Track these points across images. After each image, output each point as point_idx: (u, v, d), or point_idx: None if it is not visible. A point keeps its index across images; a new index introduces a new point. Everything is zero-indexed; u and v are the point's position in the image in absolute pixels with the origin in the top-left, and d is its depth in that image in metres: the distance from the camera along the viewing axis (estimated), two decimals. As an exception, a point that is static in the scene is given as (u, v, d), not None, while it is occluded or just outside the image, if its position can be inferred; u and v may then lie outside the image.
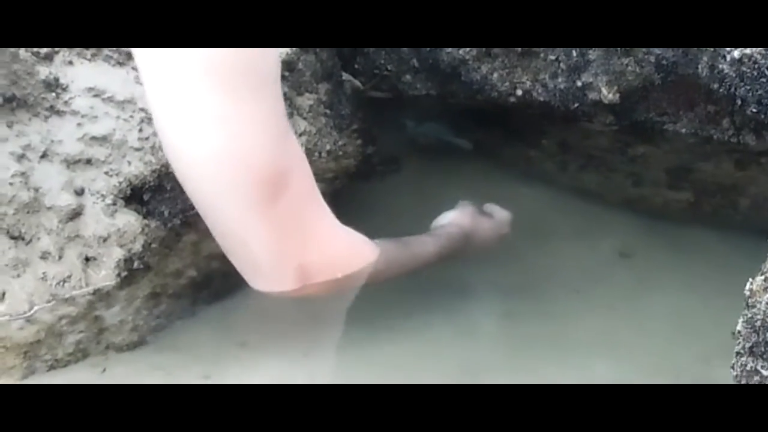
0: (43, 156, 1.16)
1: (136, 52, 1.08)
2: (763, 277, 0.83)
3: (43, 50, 1.20)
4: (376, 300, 1.23)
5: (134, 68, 1.24)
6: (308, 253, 1.13)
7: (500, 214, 1.38)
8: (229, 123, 1.05)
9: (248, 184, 1.07)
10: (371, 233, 1.21)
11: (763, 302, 0.82)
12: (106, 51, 1.24)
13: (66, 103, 1.19)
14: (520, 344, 1.20)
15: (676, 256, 1.38)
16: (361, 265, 1.18)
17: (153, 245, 1.20)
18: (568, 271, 1.34)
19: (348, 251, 1.17)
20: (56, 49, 1.21)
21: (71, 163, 1.17)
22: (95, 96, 1.21)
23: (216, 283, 1.23)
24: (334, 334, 1.22)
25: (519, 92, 1.55)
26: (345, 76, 1.60)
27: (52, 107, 1.18)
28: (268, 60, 1.08)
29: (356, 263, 1.17)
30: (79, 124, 1.19)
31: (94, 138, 1.19)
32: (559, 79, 1.52)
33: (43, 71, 1.19)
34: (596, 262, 1.37)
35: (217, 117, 1.05)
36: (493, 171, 1.51)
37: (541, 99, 1.55)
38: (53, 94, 1.19)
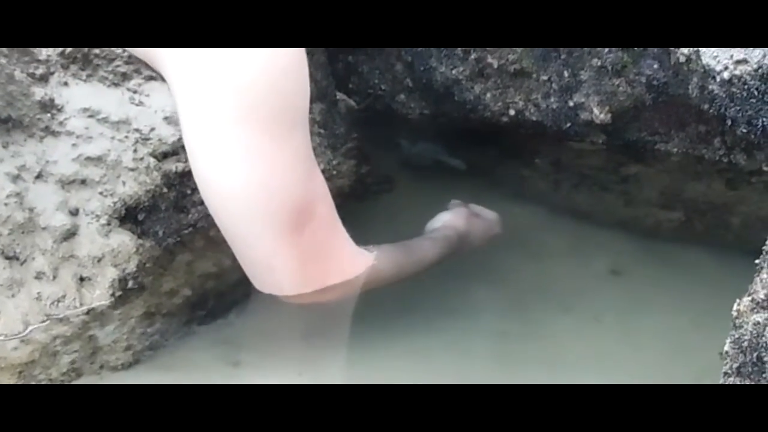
0: (38, 176, 1.17)
1: (176, 90, 1.14)
2: (749, 298, 0.84)
3: (39, 71, 1.21)
4: (371, 319, 1.25)
5: (129, 89, 1.25)
6: (329, 277, 1.19)
7: (489, 214, 1.43)
8: (265, 160, 1.12)
9: (279, 216, 1.14)
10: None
11: (750, 323, 0.83)
12: (101, 72, 1.25)
13: (61, 123, 1.20)
14: (513, 363, 1.21)
15: (668, 275, 1.38)
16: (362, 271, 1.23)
17: (147, 265, 1.21)
18: (561, 289, 1.35)
19: (363, 269, 1.23)
20: (51, 70, 1.22)
21: (66, 183, 1.18)
22: (90, 117, 1.21)
23: (210, 302, 1.24)
24: (328, 355, 1.23)
25: (512, 112, 1.56)
26: (339, 95, 1.60)
27: (47, 128, 1.19)
28: (303, 98, 1.15)
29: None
30: (74, 145, 1.20)
31: (88, 158, 1.20)
32: (551, 99, 1.53)
33: (39, 92, 1.19)
34: (589, 280, 1.37)
35: (254, 154, 1.11)
36: (486, 190, 1.51)
37: (534, 119, 1.56)
38: (48, 114, 1.19)
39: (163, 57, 1.17)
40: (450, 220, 1.38)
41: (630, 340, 1.25)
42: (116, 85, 1.25)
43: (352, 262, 1.22)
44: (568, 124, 1.54)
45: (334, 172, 1.43)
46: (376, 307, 1.25)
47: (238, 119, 1.10)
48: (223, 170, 1.12)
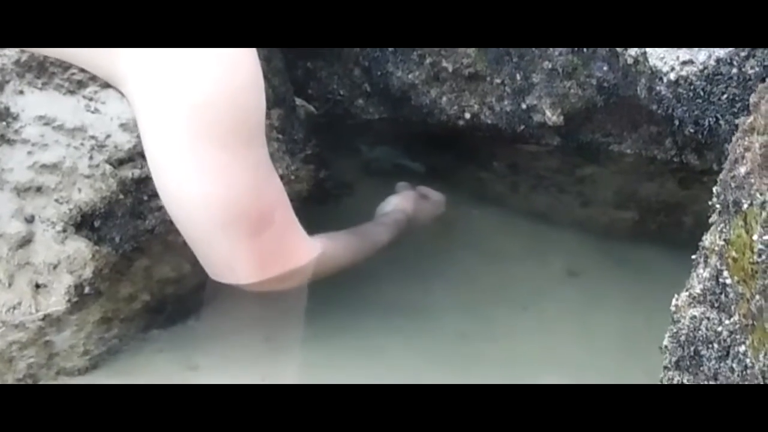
0: (-7, 184, 1.17)
1: (136, 108, 1.17)
2: (687, 293, 0.86)
3: (-6, 81, 1.21)
4: (329, 319, 1.26)
5: (85, 96, 1.26)
6: (286, 267, 1.23)
7: (435, 195, 1.48)
8: (224, 173, 1.15)
9: (239, 224, 1.18)
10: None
11: (687, 317, 0.84)
12: (57, 79, 1.25)
13: (16, 131, 1.20)
14: (471, 363, 1.22)
15: (623, 274, 1.39)
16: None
17: (104, 271, 1.21)
18: (519, 290, 1.36)
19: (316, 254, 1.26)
20: (7, 78, 1.22)
21: (21, 191, 1.18)
22: (46, 124, 1.22)
23: (169, 307, 1.24)
24: (288, 360, 1.24)
25: (467, 115, 1.58)
26: (298, 101, 1.61)
27: (2, 136, 1.19)
28: (259, 111, 1.18)
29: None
30: (29, 153, 1.20)
31: (44, 166, 1.20)
32: (505, 102, 1.54)
33: (-6, 101, 1.20)
34: (545, 281, 1.39)
35: (213, 168, 1.15)
36: (445, 193, 1.52)
37: (489, 122, 1.57)
38: (4, 123, 1.20)
39: (122, 75, 1.19)
40: (399, 203, 1.43)
41: (586, 339, 1.27)
42: (72, 92, 1.25)
43: (307, 250, 1.25)
44: (522, 127, 1.55)
45: (293, 177, 1.44)
46: (334, 306, 1.27)
47: (196, 136, 1.14)
48: (183, 184, 1.16)
